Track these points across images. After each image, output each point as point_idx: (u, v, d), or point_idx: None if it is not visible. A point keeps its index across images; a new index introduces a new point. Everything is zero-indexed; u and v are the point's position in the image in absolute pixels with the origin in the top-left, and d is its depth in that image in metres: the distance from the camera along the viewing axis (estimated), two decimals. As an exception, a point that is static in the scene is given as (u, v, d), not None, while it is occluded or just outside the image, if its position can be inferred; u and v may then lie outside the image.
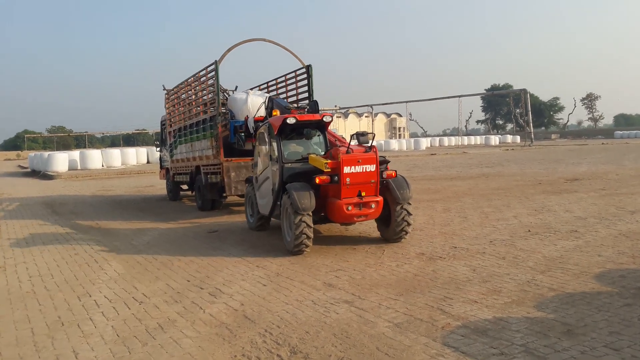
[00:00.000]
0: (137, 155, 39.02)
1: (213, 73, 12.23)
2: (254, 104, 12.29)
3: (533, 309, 5.18)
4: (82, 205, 15.53)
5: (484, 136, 76.88)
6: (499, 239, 8.42)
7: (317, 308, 5.41)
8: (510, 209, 11.57)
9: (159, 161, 18.75)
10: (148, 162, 39.36)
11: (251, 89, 15.58)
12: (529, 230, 9.04)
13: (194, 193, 14.67)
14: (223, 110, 12.42)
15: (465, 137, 72.84)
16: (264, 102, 11.24)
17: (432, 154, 42.93)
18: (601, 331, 4.54)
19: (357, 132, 8.27)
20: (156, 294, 6.15)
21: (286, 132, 8.69)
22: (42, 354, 4.48)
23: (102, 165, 34.90)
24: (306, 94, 12.93)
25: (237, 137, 11.99)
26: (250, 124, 11.65)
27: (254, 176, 9.86)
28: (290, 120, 8.41)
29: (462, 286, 5.99)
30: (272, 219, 9.47)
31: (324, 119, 8.77)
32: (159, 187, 20.02)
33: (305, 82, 12.89)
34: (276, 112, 9.47)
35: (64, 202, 16.68)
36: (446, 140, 69.23)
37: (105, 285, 6.61)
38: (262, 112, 11.70)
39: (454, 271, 6.62)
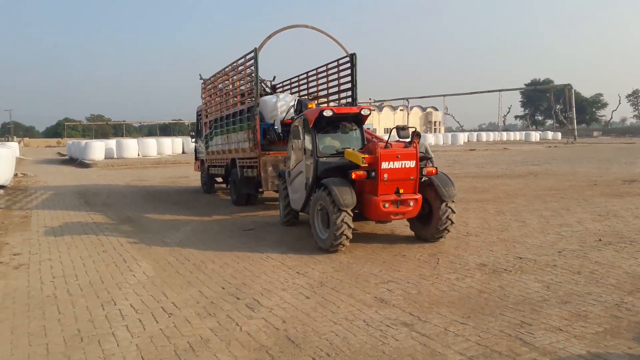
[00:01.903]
0: (172, 145, 39.01)
1: (252, 62, 11.61)
2: (283, 107, 12.09)
3: (634, 342, 4.28)
4: (115, 196, 15.17)
5: (524, 132, 74.60)
6: (568, 249, 7.48)
7: (372, 331, 4.62)
8: (571, 213, 10.55)
9: (194, 152, 18.37)
10: (183, 152, 39.28)
11: (290, 79, 14.96)
12: (600, 239, 8.06)
13: (228, 186, 14.17)
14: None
15: (504, 133, 70.77)
16: (293, 105, 10.84)
17: (471, 150, 41.58)
18: None
19: (397, 125, 7.92)
20: (188, 304, 5.48)
21: (321, 126, 8.41)
22: (55, 380, 3.84)
23: (138, 155, 34.93)
24: (349, 84, 12.18)
25: (270, 133, 11.64)
26: (278, 126, 11.61)
27: (287, 170, 9.57)
28: (327, 113, 8.14)
29: (538, 308, 5.12)
30: (300, 213, 9.20)
31: (362, 112, 8.45)
32: (194, 178, 19.59)
33: (348, 72, 12.14)
34: (312, 105, 9.22)
35: (97, 192, 16.37)
36: (484, 136, 67.38)
37: (133, 291, 5.98)
38: (291, 115, 11.69)
39: (525, 288, 5.75)
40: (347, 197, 7.30)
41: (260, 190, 12.05)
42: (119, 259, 7.56)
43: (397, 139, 8.13)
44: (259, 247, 8.10)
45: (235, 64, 12.85)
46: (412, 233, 8.47)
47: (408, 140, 7.82)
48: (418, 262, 6.97)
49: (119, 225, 10.40)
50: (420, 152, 8.04)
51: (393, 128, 8.03)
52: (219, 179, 15.67)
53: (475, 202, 12.32)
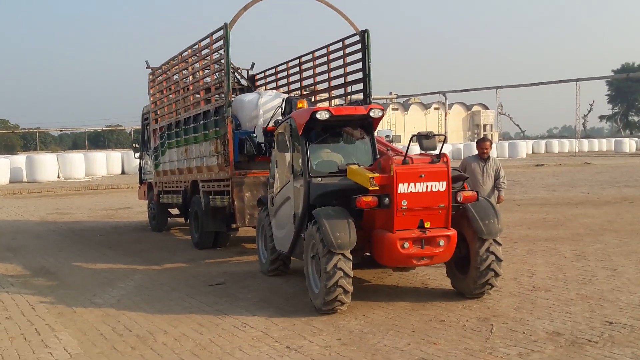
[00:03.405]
0: (107, 163, 39.27)
1: (221, 43, 11.75)
2: (267, 108, 12.26)
3: None
4: (24, 237, 15.20)
5: (613, 139, 74.93)
6: (679, 310, 7.48)
7: None
8: (684, 256, 10.60)
9: (138, 172, 18.39)
10: (123, 172, 39.54)
11: (275, 67, 15.07)
12: None
13: (188, 222, 14.18)
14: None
15: (585, 141, 71.27)
16: (280, 106, 11.18)
17: (538, 165, 41.87)
18: None
19: (419, 132, 8.11)
20: (128, 395, 5.45)
21: (316, 133, 8.68)
22: None
23: (58, 177, 35.11)
24: (360, 74, 12.28)
25: (248, 144, 11.71)
26: (260, 136, 11.79)
27: (270, 196, 9.75)
28: (322, 115, 8.28)
29: (638, 397, 5.10)
30: (292, 258, 9.41)
31: (371, 114, 8.60)
32: (138, 210, 19.63)
33: (359, 56, 12.24)
34: (302, 104, 9.46)
35: (-1, 231, 16.39)
36: (556, 145, 67.80)
37: (49, 376, 5.96)
38: (278, 119, 11.93)
39: (618, 368, 5.74)
40: (343, 233, 7.37)
41: (234, 226, 12.07)
42: (29, 328, 7.53)
43: (421, 151, 8.28)
44: (232, 309, 8.10)
45: (197, 47, 12.97)
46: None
47: (435, 152, 7.92)
48: (463, 330, 6.96)
49: (30, 279, 10.40)
50: (455, 169, 8.13)
51: (414, 136, 8.17)
52: (175, 211, 15.68)
53: (544, 241, 12.37)
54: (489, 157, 10.00)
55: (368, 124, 8.87)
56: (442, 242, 7.61)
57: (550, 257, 10.79)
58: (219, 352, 6.47)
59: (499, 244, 7.91)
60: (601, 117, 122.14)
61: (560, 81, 78.00)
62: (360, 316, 7.52)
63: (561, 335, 6.66)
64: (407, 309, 7.85)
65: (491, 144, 10.30)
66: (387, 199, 7.50)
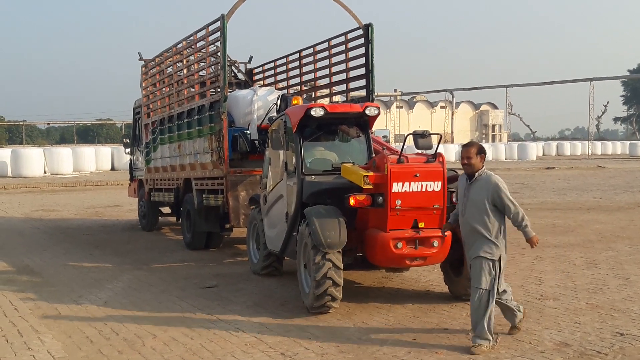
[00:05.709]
0: (96, 158, 39.27)
1: (218, 35, 11.79)
2: (262, 105, 12.41)
3: None
4: (7, 235, 15.24)
5: (628, 142, 75.02)
6: (694, 321, 7.49)
7: None
8: (700, 265, 10.61)
9: (128, 169, 18.41)
10: (113, 168, 39.51)
11: (274, 61, 15.08)
12: None
13: (180, 221, 14.20)
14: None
15: (599, 143, 71.36)
16: (276, 103, 11.53)
17: (548, 168, 41.89)
18: None
19: (414, 131, 8.35)
20: (113, 402, 5.46)
21: (310, 131, 8.90)
22: None
23: (45, 172, 35.08)
24: (362, 70, 12.32)
25: (241, 141, 11.85)
26: (254, 133, 11.98)
27: (262, 194, 9.95)
28: (317, 112, 8.48)
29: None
30: (285, 258, 9.61)
31: (367, 112, 8.87)
32: (128, 208, 19.62)
33: (362, 50, 12.28)
34: (297, 101, 9.71)
35: (-19, 228, 16.40)
36: (568, 147, 67.86)
37: (31, 380, 5.98)
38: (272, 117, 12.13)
39: (629, 381, 5.75)
40: (333, 233, 7.51)
41: (228, 226, 12.11)
42: (12, 330, 7.54)
43: (417, 150, 8.42)
44: (224, 313, 8.11)
45: (192, 39, 13.00)
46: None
47: (431, 151, 8.03)
48: (467, 339, 6.95)
49: (13, 278, 10.40)
50: (450, 170, 8.20)
51: (409, 134, 8.29)
52: (166, 210, 15.72)
53: (553, 247, 12.38)
54: (478, 173, 6.68)
55: (364, 122, 9.09)
56: (436, 243, 7.75)
57: (559, 265, 10.80)
58: (210, 358, 6.48)
59: None
60: (615, 119, 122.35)
61: (573, 80, 78.03)
62: (359, 322, 7.54)
63: (569, 346, 6.67)
64: (409, 315, 7.87)
65: (479, 151, 6.73)
66: (380, 198, 7.63)
